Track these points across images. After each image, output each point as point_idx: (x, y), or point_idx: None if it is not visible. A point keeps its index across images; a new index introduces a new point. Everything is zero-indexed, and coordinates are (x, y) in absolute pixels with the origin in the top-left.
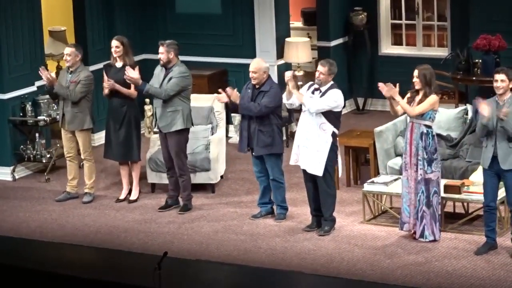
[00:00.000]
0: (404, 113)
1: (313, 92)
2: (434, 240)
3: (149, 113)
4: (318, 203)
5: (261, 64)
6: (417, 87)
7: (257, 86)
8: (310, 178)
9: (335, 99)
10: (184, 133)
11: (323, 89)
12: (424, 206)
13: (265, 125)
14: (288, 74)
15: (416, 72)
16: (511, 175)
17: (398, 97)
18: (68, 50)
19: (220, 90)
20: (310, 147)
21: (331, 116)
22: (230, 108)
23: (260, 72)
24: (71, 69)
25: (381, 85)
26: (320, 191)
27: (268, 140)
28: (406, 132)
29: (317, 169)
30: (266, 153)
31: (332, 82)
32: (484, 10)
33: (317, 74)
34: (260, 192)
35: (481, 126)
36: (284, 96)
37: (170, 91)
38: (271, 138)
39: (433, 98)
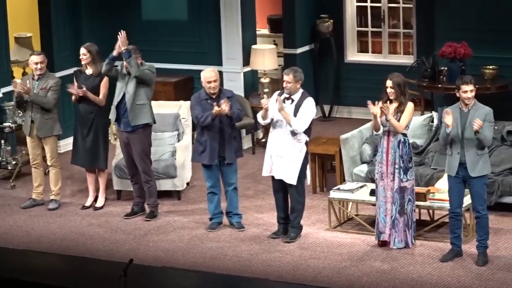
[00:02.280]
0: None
1: (283, 101)
2: (405, 247)
3: None
4: (286, 212)
5: (217, 72)
6: (391, 97)
7: (214, 96)
8: (280, 188)
9: (312, 110)
10: (147, 133)
11: (295, 97)
12: (397, 214)
13: (235, 130)
14: (272, 99)
15: (390, 83)
16: (478, 182)
17: (390, 116)
18: (39, 58)
19: (215, 104)
20: (285, 157)
21: None
22: (210, 120)
23: (219, 80)
24: (38, 76)
25: (381, 106)
26: (291, 199)
27: (239, 144)
28: (382, 141)
29: (292, 178)
30: (236, 159)
31: (302, 90)
32: (450, 18)
33: (284, 84)
34: (215, 204)
35: (445, 135)
36: (260, 116)
37: (146, 70)
38: (240, 143)
39: (411, 106)
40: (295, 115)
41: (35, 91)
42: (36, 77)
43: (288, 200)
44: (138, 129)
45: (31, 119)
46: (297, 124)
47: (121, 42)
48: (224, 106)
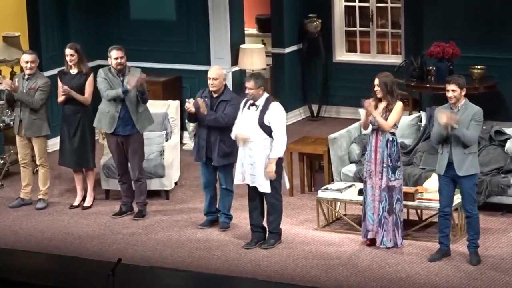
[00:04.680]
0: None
1: (248, 108)
2: (394, 247)
3: None
4: (259, 220)
5: (221, 71)
6: (378, 95)
7: (215, 95)
8: (254, 195)
9: (282, 116)
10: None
11: (258, 103)
12: (385, 213)
13: (227, 135)
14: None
15: (377, 81)
16: (466, 181)
17: (375, 113)
18: (30, 57)
19: (187, 100)
20: (255, 164)
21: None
22: (192, 118)
23: (220, 79)
24: (28, 76)
25: (367, 101)
26: (267, 204)
27: (229, 150)
28: (370, 140)
29: (265, 187)
30: (226, 163)
31: (267, 95)
32: (438, 18)
33: (246, 90)
34: (208, 202)
35: (437, 133)
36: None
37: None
38: (231, 148)
39: (399, 106)
40: (260, 121)
41: (24, 91)
42: (26, 77)
43: (262, 208)
44: (136, 132)
45: (20, 118)
46: (279, 150)
47: (137, 83)
48: (191, 104)
